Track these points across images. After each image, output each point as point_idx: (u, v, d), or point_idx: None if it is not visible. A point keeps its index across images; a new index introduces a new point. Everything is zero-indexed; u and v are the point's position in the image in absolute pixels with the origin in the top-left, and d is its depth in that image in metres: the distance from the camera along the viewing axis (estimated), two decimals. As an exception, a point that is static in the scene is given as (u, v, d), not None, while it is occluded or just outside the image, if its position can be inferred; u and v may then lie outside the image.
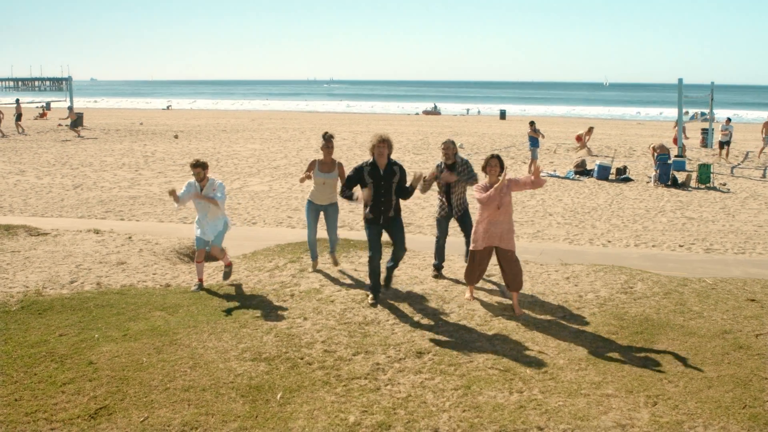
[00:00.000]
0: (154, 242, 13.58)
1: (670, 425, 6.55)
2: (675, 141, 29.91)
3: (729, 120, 30.78)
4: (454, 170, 11.07)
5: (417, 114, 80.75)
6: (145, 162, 28.54)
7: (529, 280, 10.96)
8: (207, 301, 9.92)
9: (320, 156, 11.41)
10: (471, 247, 10.01)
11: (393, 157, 9.86)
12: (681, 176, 23.57)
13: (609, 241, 14.79)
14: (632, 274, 11.27)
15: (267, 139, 40.77)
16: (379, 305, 9.76)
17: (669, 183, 22.84)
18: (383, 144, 9.60)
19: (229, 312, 9.50)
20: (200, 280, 10.80)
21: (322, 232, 11.63)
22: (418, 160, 29.20)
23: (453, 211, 11.30)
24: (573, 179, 24.15)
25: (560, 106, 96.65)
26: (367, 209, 9.79)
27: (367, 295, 10.08)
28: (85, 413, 6.63)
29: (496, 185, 9.43)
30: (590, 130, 33.40)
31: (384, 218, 9.79)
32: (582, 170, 25.03)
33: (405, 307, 9.75)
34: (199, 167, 10.49)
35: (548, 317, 9.44)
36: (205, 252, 10.75)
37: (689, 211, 18.41)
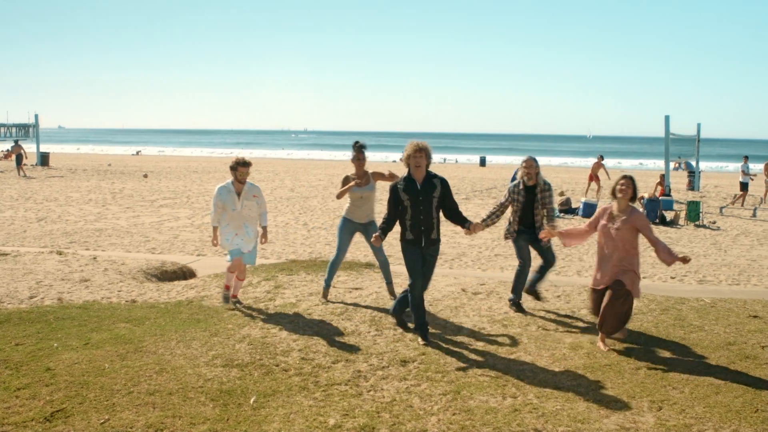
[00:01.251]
0: (120, 262, 13.19)
1: (678, 428, 6.25)
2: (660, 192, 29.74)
3: (747, 158, 30.63)
4: (534, 193, 10.00)
5: (395, 162, 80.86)
6: (113, 198, 28.13)
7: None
8: (176, 314, 9.54)
9: (352, 170, 10.62)
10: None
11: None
12: (669, 215, 23.44)
13: (598, 273, 14.43)
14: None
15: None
16: (358, 317, 9.42)
17: (657, 221, 22.67)
18: (420, 153, 8.45)
19: (198, 322, 9.12)
20: (235, 295, 10.18)
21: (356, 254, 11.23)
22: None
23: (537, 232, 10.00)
24: (558, 217, 23.95)
25: (546, 157, 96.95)
26: (408, 230, 8.59)
27: (415, 338, 8.83)
28: (40, 416, 6.23)
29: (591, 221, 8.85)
30: (600, 161, 32.43)
31: (426, 240, 8.59)
32: (567, 208, 24.87)
33: (387, 321, 9.38)
34: (246, 166, 9.77)
35: (541, 330, 9.15)
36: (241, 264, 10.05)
37: (679, 247, 18.20)
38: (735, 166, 78.58)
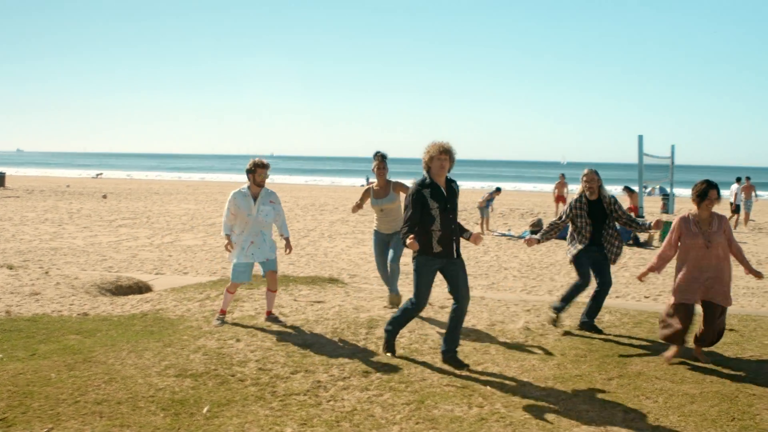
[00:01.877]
0: (73, 277, 12.94)
1: (652, 436, 6.11)
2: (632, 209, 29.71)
3: (739, 179, 30.58)
4: (600, 208, 9.60)
5: (363, 186, 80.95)
6: (70, 218, 27.77)
7: (486, 311, 10.60)
8: (129, 326, 9.33)
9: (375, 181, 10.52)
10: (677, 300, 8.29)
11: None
12: (643, 236, 23.42)
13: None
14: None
15: (203, 200, 40.29)
16: (319, 329, 9.27)
17: (630, 242, 22.65)
18: (445, 156, 7.85)
19: (152, 333, 8.91)
20: (224, 312, 9.73)
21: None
22: (365, 219, 28.82)
23: (609, 256, 9.72)
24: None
25: (519, 183, 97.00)
26: (435, 242, 7.87)
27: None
28: (-22, 426, 6.02)
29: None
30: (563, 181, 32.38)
31: (456, 251, 8.01)
32: (538, 229, 24.75)
33: (349, 333, 9.22)
34: (265, 168, 9.48)
35: (509, 342, 9.02)
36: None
37: (653, 267, 18.16)
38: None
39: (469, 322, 9.93)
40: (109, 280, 12.78)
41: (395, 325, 8.36)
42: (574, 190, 31.01)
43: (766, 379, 7.68)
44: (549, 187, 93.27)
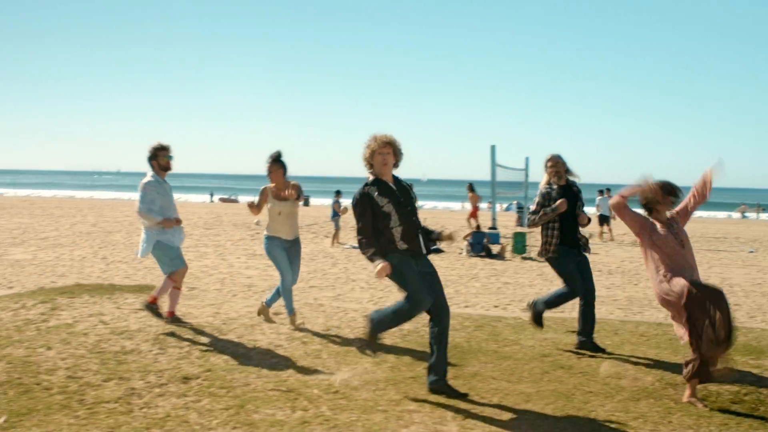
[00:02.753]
0: None
1: (482, 435, 6.00)
2: (473, 215, 29.86)
3: (602, 192, 31.28)
4: (572, 193, 9.04)
5: (212, 201, 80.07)
6: None
7: (322, 315, 10.40)
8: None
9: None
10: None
11: None
12: (495, 248, 23.63)
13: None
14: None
15: (38, 215, 38.81)
16: (141, 336, 8.87)
17: (483, 253, 22.80)
18: (387, 149, 7.19)
19: (-51, 343, 8.37)
20: (172, 313, 9.77)
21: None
22: (209, 233, 28.30)
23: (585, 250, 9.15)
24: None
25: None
26: (399, 240, 7.12)
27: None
28: None
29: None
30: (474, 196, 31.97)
31: (426, 249, 7.36)
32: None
33: (173, 340, 8.86)
34: (166, 150, 9.72)
35: (344, 347, 8.83)
36: None
37: (505, 278, 18.28)
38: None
39: (303, 327, 9.71)
40: None
41: (383, 327, 7.39)
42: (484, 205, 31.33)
43: (603, 378, 7.74)
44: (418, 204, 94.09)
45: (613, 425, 6.39)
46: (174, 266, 9.58)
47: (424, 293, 7.03)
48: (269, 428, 6.02)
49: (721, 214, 66.01)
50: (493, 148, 28.04)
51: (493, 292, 15.20)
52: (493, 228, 26.89)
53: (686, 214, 7.45)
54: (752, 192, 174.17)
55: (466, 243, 23.48)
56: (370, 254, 7.02)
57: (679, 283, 6.88)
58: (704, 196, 7.45)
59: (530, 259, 22.49)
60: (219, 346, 8.68)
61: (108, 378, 7.28)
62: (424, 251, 7.27)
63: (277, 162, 9.80)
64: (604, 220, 30.63)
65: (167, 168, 9.59)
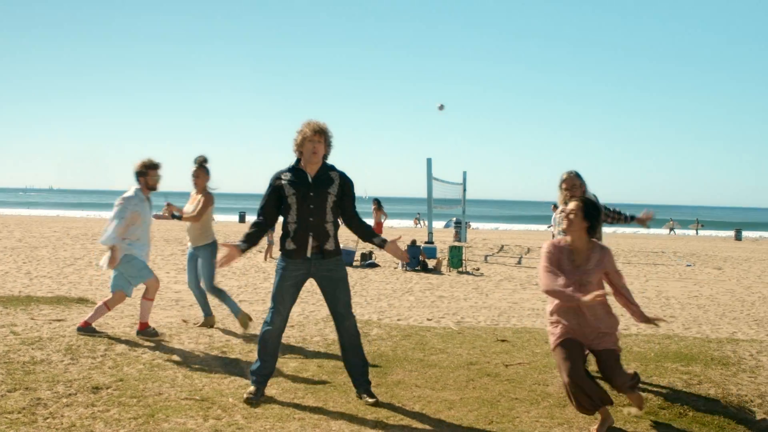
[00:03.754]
0: None
1: (401, 442, 5.84)
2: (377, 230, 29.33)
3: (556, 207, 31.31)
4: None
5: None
6: None
7: (240, 328, 10.19)
8: None
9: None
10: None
11: None
12: (431, 262, 23.57)
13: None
14: (368, 323, 10.76)
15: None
16: (52, 346, 8.57)
17: (418, 267, 22.72)
18: (319, 137, 6.79)
19: None
20: (146, 324, 9.64)
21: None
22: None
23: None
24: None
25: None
26: (289, 237, 6.92)
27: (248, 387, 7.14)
28: None
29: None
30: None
31: (313, 252, 6.91)
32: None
33: (86, 350, 8.58)
34: (156, 168, 9.43)
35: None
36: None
37: (440, 291, 18.19)
38: (507, 226, 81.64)
39: (223, 338, 9.50)
40: None
41: (260, 357, 7.08)
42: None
43: (530, 385, 7.63)
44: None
45: (537, 430, 6.27)
46: (142, 277, 9.39)
47: (280, 311, 6.98)
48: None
49: (652, 231, 67.07)
50: (429, 161, 28.05)
51: (427, 306, 15.08)
52: (430, 242, 26.84)
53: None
54: (683, 209, 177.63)
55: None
56: (249, 236, 6.97)
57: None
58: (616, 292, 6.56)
59: (467, 273, 22.45)
60: (133, 356, 8.42)
61: (14, 388, 6.97)
62: (311, 255, 6.88)
63: (202, 167, 9.69)
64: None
65: (154, 188, 9.37)
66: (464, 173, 32.48)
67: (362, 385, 7.08)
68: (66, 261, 21.99)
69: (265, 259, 24.53)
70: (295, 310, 12.78)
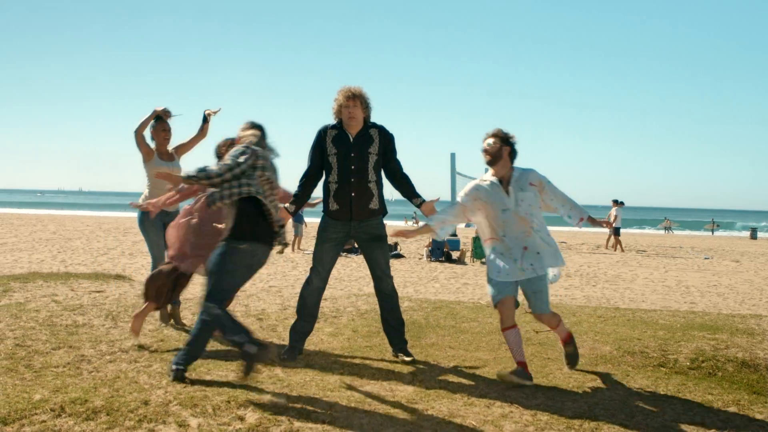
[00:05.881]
0: None
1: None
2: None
3: (620, 203, 31.31)
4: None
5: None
6: None
7: (279, 298, 10.28)
8: None
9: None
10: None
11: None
12: (455, 254, 23.57)
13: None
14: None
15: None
16: (93, 312, 8.62)
17: (442, 258, 22.71)
18: (354, 102, 6.70)
19: None
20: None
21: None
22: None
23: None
24: (341, 256, 23.60)
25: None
26: (330, 196, 6.85)
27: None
28: None
29: None
30: None
31: (355, 214, 6.82)
32: (350, 248, 24.52)
33: (126, 316, 8.59)
34: None
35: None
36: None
37: (464, 279, 18.16)
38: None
39: (265, 303, 9.51)
40: None
41: (299, 316, 7.09)
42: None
43: (561, 348, 7.60)
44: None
45: (570, 384, 6.26)
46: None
47: (322, 269, 6.97)
48: (222, 385, 5.82)
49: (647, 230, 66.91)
50: (452, 155, 27.95)
51: (452, 292, 15.07)
52: (454, 235, 26.78)
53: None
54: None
55: (426, 249, 23.42)
56: (297, 199, 6.97)
57: None
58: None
59: (490, 263, 22.34)
60: (171, 322, 8.46)
61: (57, 347, 7.01)
62: (353, 216, 6.81)
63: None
64: (617, 231, 31.04)
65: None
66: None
67: (398, 344, 7.09)
68: (99, 251, 22.11)
69: (293, 250, 24.56)
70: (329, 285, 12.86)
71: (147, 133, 8.26)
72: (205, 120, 8.39)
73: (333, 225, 6.87)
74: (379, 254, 6.96)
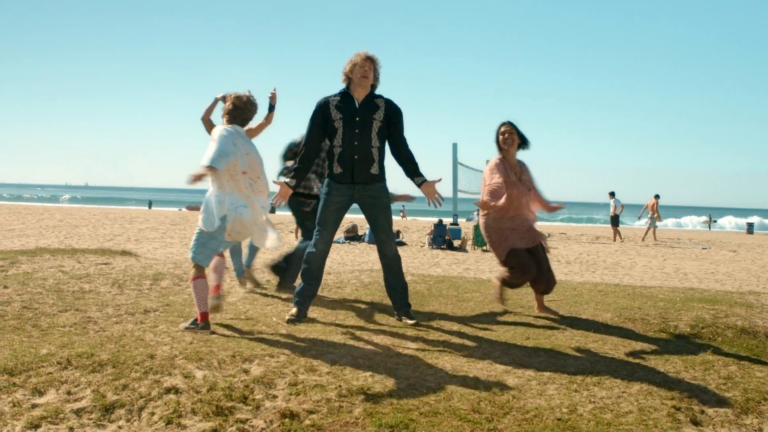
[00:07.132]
0: None
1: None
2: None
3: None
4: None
5: (180, 210, 79.55)
6: None
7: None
8: None
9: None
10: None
11: None
12: (457, 242, 23.55)
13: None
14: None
15: (4, 213, 38.50)
16: (99, 281, 8.60)
17: (444, 246, 22.68)
18: (369, 63, 6.71)
19: None
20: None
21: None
22: (175, 228, 27.98)
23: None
24: (342, 243, 23.57)
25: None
26: (335, 160, 6.86)
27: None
28: None
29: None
30: None
31: (360, 175, 6.83)
32: (353, 235, 24.53)
33: (132, 284, 8.60)
34: None
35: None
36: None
37: (465, 265, 18.12)
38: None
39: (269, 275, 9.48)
40: None
41: (303, 279, 7.06)
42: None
43: (563, 315, 7.60)
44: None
45: (573, 345, 6.24)
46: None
47: (322, 224, 6.92)
48: (227, 342, 5.79)
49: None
50: (454, 146, 27.92)
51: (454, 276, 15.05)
52: (455, 224, 26.77)
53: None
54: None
55: (428, 237, 23.40)
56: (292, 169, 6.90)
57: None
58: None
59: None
60: (177, 289, 8.47)
61: (64, 309, 6.99)
62: (355, 179, 6.81)
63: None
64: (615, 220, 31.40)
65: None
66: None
67: (402, 308, 7.08)
68: (106, 237, 22.12)
69: (296, 237, 24.49)
70: (330, 262, 12.81)
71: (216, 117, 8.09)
72: (272, 108, 8.34)
73: (337, 188, 6.84)
74: (383, 218, 6.91)
